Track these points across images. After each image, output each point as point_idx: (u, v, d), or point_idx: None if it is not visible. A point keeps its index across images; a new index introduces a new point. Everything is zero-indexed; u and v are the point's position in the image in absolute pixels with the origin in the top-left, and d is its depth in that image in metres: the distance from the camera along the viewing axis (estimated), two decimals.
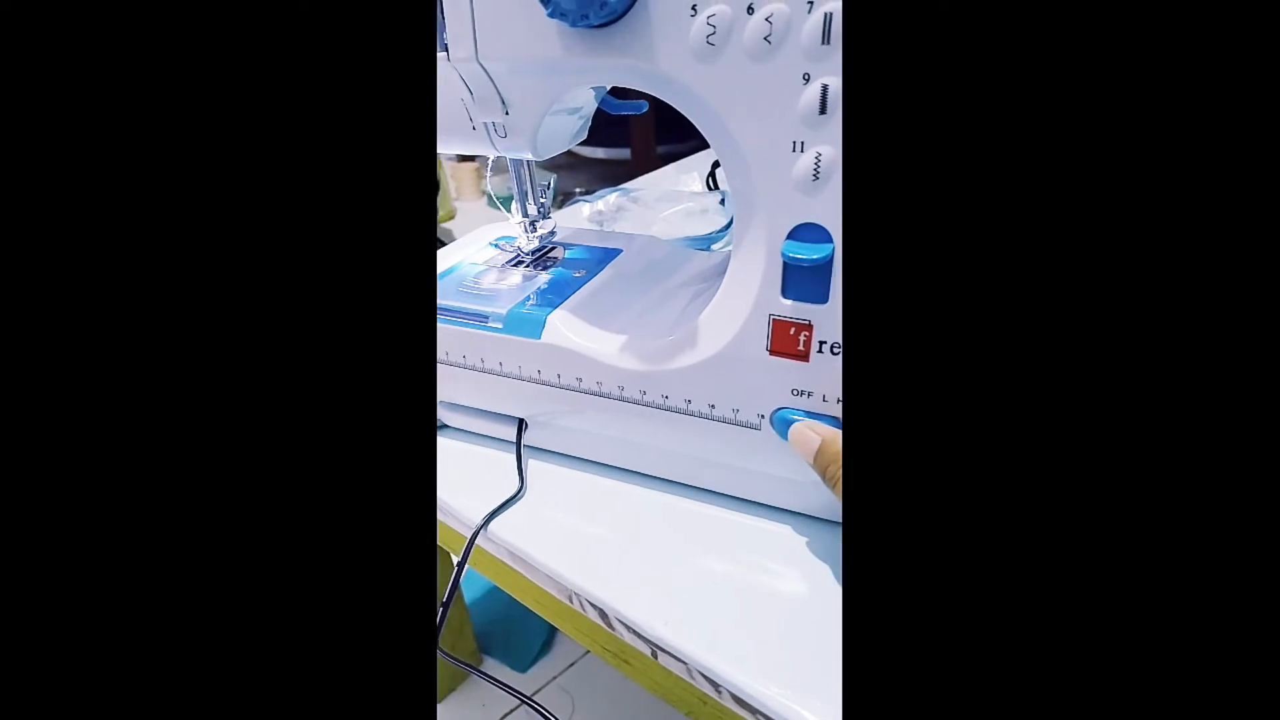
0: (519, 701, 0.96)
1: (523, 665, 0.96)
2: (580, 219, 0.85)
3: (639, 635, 0.37)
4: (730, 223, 0.80)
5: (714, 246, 0.79)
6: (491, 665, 0.96)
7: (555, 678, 0.94)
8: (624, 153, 2.21)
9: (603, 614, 0.39)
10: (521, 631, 0.97)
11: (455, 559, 0.43)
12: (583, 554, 0.41)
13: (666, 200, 0.86)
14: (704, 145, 1.16)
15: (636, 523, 0.42)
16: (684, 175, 0.96)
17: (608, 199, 0.89)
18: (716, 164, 0.91)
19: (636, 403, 0.42)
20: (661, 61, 0.33)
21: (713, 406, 0.40)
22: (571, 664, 0.95)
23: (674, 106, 0.35)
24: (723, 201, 0.83)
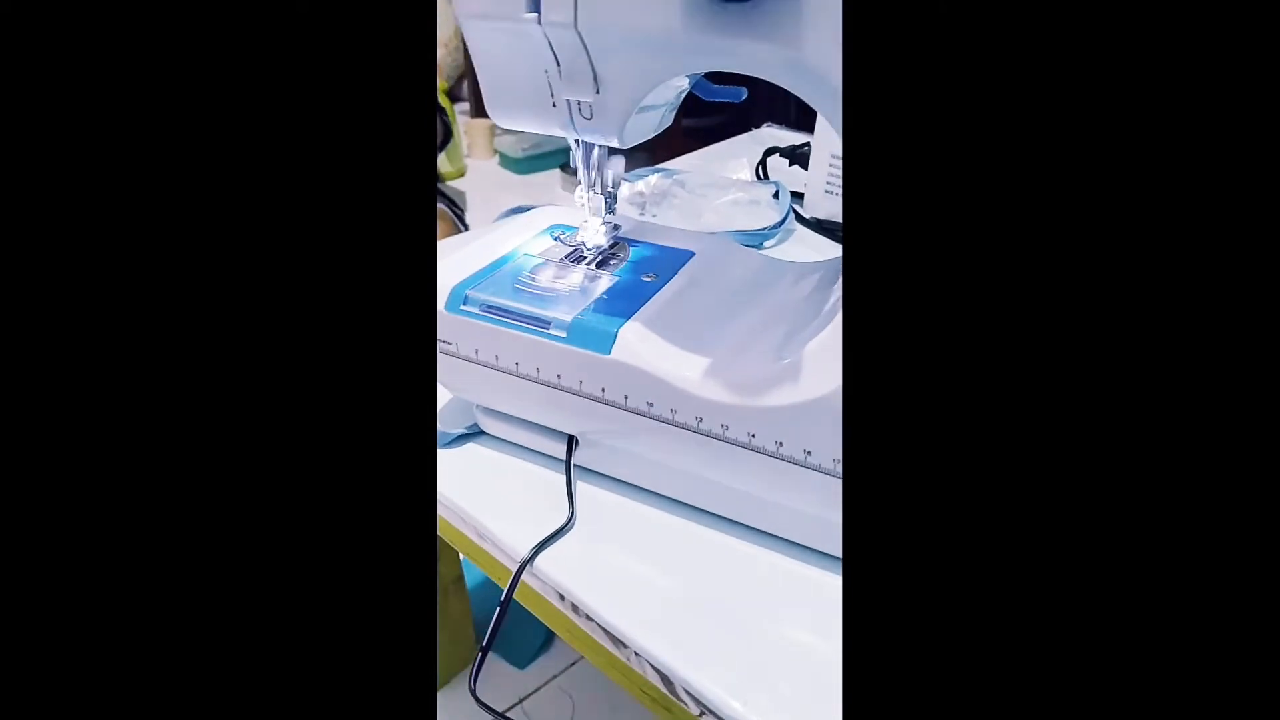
0: (515, 701, 0.93)
1: (522, 661, 0.92)
2: (619, 199, 0.79)
3: (709, 710, 0.32)
4: (784, 220, 0.74)
5: (766, 244, 0.73)
6: (490, 659, 0.92)
7: (555, 677, 0.90)
8: None
9: (666, 680, 0.34)
10: (523, 625, 0.93)
11: (477, 574, 0.38)
12: (645, 604, 0.36)
13: (714, 187, 0.80)
14: (734, 125, 1.09)
15: (708, 572, 0.38)
16: (731, 160, 0.90)
17: (648, 180, 0.83)
18: (768, 152, 0.85)
19: (715, 437, 0.37)
20: (809, 50, 0.27)
21: (808, 453, 0.35)
22: (574, 663, 0.91)
23: (810, 105, 0.30)
24: (776, 195, 0.77)
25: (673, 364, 0.37)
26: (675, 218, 0.76)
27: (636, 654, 0.35)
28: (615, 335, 0.38)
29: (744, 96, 0.40)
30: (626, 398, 0.38)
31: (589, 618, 0.36)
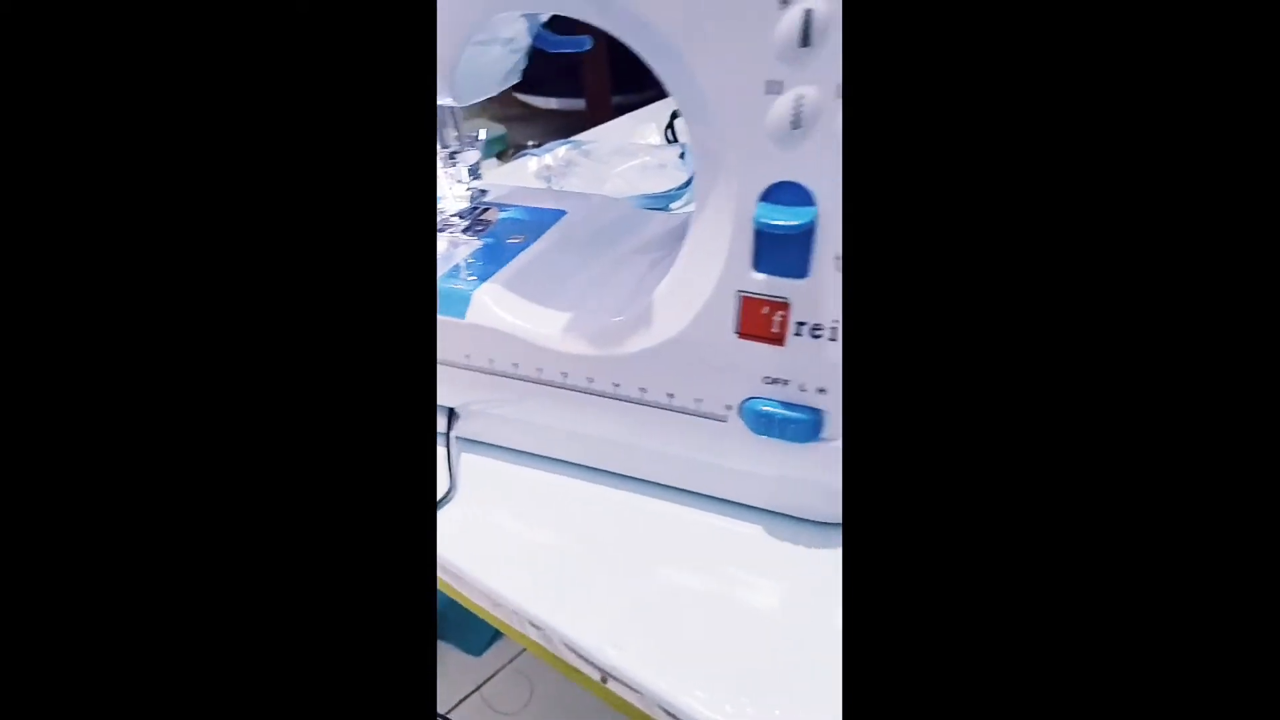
0: (472, 689, 0.92)
1: (477, 648, 0.91)
2: (526, 175, 0.78)
3: (588, 661, 0.32)
4: (690, 179, 0.74)
5: (672, 206, 0.73)
6: (444, 649, 0.91)
7: (512, 660, 0.90)
8: (579, 103, 2.10)
9: (546, 637, 0.34)
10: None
11: None
12: (523, 565, 0.36)
13: (621, 154, 0.79)
14: (664, 94, 1.08)
15: (587, 526, 0.37)
16: (640, 126, 0.89)
17: (556, 152, 0.82)
18: (676, 114, 0.85)
19: (583, 391, 0.36)
20: None
21: (671, 396, 0.34)
22: None
23: (621, 41, 0.29)
24: (683, 155, 0.76)
25: (531, 321, 0.36)
26: (579, 186, 0.75)
27: (517, 614, 0.34)
28: (470, 298, 0.37)
29: (588, 46, 0.39)
30: (491, 361, 0.38)
31: (472, 585, 0.36)
